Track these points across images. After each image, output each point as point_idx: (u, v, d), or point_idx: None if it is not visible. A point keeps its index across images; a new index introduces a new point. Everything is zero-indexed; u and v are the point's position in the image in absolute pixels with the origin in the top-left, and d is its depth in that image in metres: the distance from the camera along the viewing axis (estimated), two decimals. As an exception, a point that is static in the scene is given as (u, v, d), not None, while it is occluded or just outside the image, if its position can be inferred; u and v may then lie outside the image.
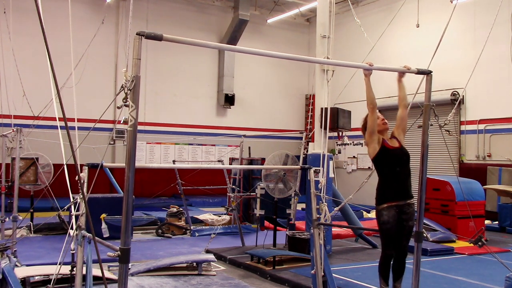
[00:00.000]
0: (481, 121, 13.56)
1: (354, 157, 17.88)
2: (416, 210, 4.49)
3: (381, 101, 16.41)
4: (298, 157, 8.83)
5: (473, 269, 7.19)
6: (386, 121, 4.79)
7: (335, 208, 6.16)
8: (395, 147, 4.68)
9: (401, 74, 4.61)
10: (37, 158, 8.55)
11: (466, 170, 13.60)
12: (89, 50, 8.89)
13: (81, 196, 3.64)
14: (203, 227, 10.44)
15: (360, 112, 18.31)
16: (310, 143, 8.19)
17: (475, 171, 12.96)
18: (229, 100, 18.07)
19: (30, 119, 9.54)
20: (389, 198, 4.61)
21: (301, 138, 10.52)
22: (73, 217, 4.08)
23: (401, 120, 4.86)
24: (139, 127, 3.95)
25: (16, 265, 5.80)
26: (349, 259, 7.61)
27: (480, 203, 9.70)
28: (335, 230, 9.17)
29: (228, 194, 9.94)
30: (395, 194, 4.60)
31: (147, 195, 14.46)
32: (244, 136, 10.60)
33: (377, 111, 4.79)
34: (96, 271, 4.36)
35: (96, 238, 3.20)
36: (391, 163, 4.62)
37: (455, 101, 11.50)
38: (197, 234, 9.81)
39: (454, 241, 8.99)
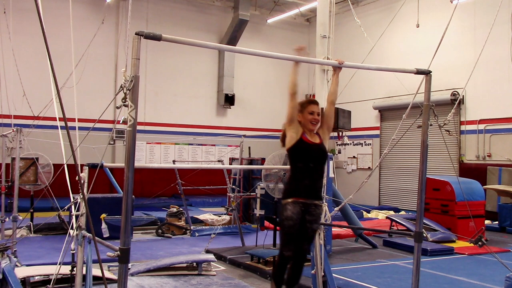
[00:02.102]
0: (481, 121, 13.56)
1: (354, 157, 17.89)
2: (321, 213, 4.33)
3: (381, 101, 16.44)
4: (298, 157, 8.82)
5: (473, 269, 7.19)
6: (317, 120, 4.30)
7: (335, 208, 6.16)
8: (314, 142, 4.27)
9: (337, 68, 4.39)
10: (37, 158, 8.56)
11: (466, 170, 13.60)
12: (89, 50, 8.89)
13: (81, 196, 3.64)
14: (203, 227, 10.44)
15: (360, 112, 18.43)
16: (310, 143, 8.18)
17: (475, 171, 12.96)
18: (229, 100, 18.08)
19: (30, 119, 9.55)
20: (297, 193, 4.20)
21: (301, 138, 10.51)
22: (73, 217, 4.09)
23: (327, 117, 4.46)
24: (139, 127, 3.95)
25: (16, 265, 5.80)
26: (349, 259, 7.61)
27: (480, 203, 9.71)
28: (335, 230, 9.17)
29: (228, 194, 9.94)
30: (304, 190, 4.20)
31: (147, 195, 14.46)
32: (244, 136, 10.59)
33: (317, 106, 4.34)
34: (96, 271, 4.36)
35: (96, 238, 3.20)
36: (305, 158, 4.22)
37: (455, 101, 11.49)
38: (197, 234, 9.81)
39: (454, 241, 8.99)
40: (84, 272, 3.87)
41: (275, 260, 4.35)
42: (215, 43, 3.25)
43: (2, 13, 10.03)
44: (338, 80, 4.47)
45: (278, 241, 8.13)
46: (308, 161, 4.21)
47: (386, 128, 16.65)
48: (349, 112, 8.66)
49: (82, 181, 3.78)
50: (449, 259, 7.91)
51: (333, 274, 5.33)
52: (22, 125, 7.40)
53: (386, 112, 16.63)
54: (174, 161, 15.12)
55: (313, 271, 4.91)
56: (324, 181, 4.83)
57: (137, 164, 4.01)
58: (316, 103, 4.36)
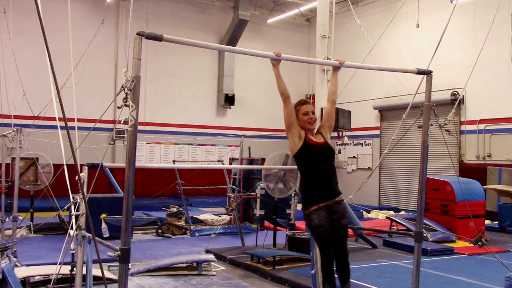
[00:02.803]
0: (481, 121, 13.56)
1: (354, 157, 17.89)
2: (345, 206, 4.28)
3: (381, 101, 16.44)
4: (298, 157, 8.81)
5: (473, 269, 7.19)
6: (314, 119, 4.29)
7: (335, 208, 6.13)
8: (319, 142, 4.23)
9: (336, 68, 4.35)
10: (37, 158, 8.55)
11: (466, 170, 13.60)
12: (89, 50, 8.89)
13: (81, 196, 3.64)
14: (203, 227, 10.43)
15: (360, 112, 18.43)
16: (310, 143, 8.17)
17: (475, 171, 12.96)
18: (229, 100, 18.08)
19: (30, 119, 9.54)
20: (316, 199, 4.16)
21: (301, 138, 10.51)
22: (73, 217, 4.08)
23: (328, 116, 4.45)
24: (139, 127, 3.94)
25: (16, 265, 5.80)
26: (349, 259, 7.60)
27: (480, 203, 9.71)
28: (335, 230, 9.15)
29: (228, 194, 9.94)
30: (322, 194, 4.17)
31: (147, 195, 14.47)
32: (244, 136, 10.59)
33: (309, 105, 4.30)
34: (96, 271, 4.36)
35: (96, 238, 3.20)
36: (314, 160, 4.16)
37: (455, 101, 11.48)
38: (197, 234, 9.81)
39: (454, 241, 8.99)
40: (84, 272, 3.87)
41: (322, 263, 4.39)
42: (215, 44, 3.25)
43: (2, 13, 10.03)
44: (338, 80, 4.46)
45: (278, 241, 8.15)
46: (317, 163, 4.16)
47: (386, 128, 16.66)
48: (349, 112, 8.64)
49: (82, 181, 3.78)
50: (449, 259, 7.91)
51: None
52: (22, 125, 7.40)
53: (386, 112, 16.63)
54: (174, 161, 15.11)
55: (313, 271, 4.91)
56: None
57: (137, 164, 4.01)
58: (307, 102, 4.34)
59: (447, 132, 5.56)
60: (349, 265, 4.41)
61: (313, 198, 4.16)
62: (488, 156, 13.36)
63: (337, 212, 4.20)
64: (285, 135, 4.30)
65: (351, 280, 6.19)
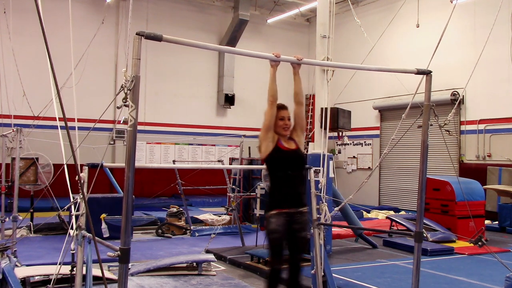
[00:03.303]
0: (481, 121, 13.56)
1: (354, 157, 17.88)
2: (308, 219, 4.21)
3: (381, 101, 16.44)
4: (298, 157, 8.82)
5: (473, 269, 7.19)
6: (289, 125, 4.28)
7: (335, 208, 6.16)
8: (290, 148, 4.21)
9: (296, 66, 4.24)
10: (37, 158, 8.56)
11: (466, 170, 13.60)
12: (89, 50, 8.88)
13: (81, 196, 3.64)
14: (203, 227, 10.44)
15: (360, 112, 18.46)
16: (310, 143, 8.19)
17: (475, 171, 12.96)
18: (229, 100, 18.08)
19: (30, 119, 9.54)
20: (280, 204, 4.09)
21: (301, 138, 10.51)
22: (73, 217, 4.08)
23: (297, 118, 4.38)
24: (139, 127, 3.95)
25: (16, 265, 5.80)
26: (349, 259, 7.61)
27: (480, 203, 9.70)
28: (335, 230, 9.17)
29: (228, 194, 9.94)
30: (286, 200, 4.10)
31: (147, 195, 14.46)
32: (244, 136, 10.60)
33: (286, 111, 4.29)
34: (96, 271, 4.36)
35: (96, 238, 3.20)
36: (283, 166, 4.12)
37: (455, 101, 11.50)
38: (197, 234, 9.81)
39: (454, 241, 8.99)
40: (84, 272, 3.87)
41: (269, 274, 4.24)
42: (215, 44, 3.24)
43: (2, 13, 10.03)
44: (300, 79, 4.38)
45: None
46: (286, 168, 4.11)
47: (386, 128, 16.66)
48: (349, 112, 8.66)
49: (82, 181, 3.78)
50: (449, 259, 7.91)
51: (333, 274, 5.34)
52: (22, 125, 7.39)
53: (386, 112, 16.63)
54: (174, 161, 15.12)
55: (313, 271, 4.91)
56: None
57: (137, 164, 4.01)
58: (285, 108, 4.31)
59: (447, 132, 5.57)
60: (300, 282, 4.29)
61: (277, 202, 4.11)
62: (488, 156, 13.36)
63: (298, 222, 4.14)
64: (260, 140, 4.20)
65: (351, 280, 6.22)
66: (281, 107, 4.29)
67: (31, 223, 9.34)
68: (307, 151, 8.26)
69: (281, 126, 4.22)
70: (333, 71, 7.72)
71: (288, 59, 4.01)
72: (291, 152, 4.19)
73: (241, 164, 10.86)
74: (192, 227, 10.06)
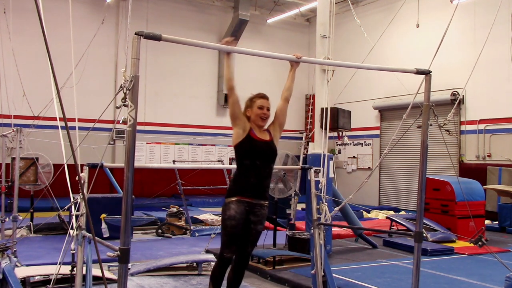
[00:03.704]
0: (481, 121, 13.56)
1: (354, 157, 17.89)
2: (266, 213, 4.17)
3: (381, 101, 16.44)
4: (298, 157, 8.83)
5: (473, 269, 7.19)
6: (267, 115, 4.19)
7: (335, 208, 6.16)
8: (262, 139, 4.13)
9: (295, 64, 4.17)
10: (37, 158, 8.56)
11: (466, 170, 13.60)
12: (89, 50, 8.88)
13: (81, 196, 3.64)
14: (203, 227, 10.43)
15: (360, 112, 18.44)
16: (310, 143, 8.19)
17: (475, 171, 12.96)
18: (228, 99, 18.06)
19: (30, 119, 9.54)
20: (242, 192, 4.03)
21: (301, 138, 10.54)
22: (73, 217, 4.08)
23: (280, 113, 4.31)
24: (139, 127, 3.95)
25: (16, 265, 5.80)
26: (349, 259, 7.61)
27: (480, 203, 9.70)
28: (335, 230, 9.17)
29: (228, 194, 9.92)
30: (250, 189, 4.04)
31: (147, 195, 14.46)
32: (244, 136, 10.58)
33: (266, 101, 4.22)
34: (96, 271, 4.36)
35: (96, 238, 3.20)
36: (252, 155, 4.05)
37: (455, 101, 11.49)
38: (197, 234, 9.81)
39: (454, 241, 8.99)
40: (84, 272, 3.87)
41: (217, 262, 4.24)
42: (215, 43, 3.26)
43: (2, 13, 10.04)
44: (295, 76, 4.31)
45: (278, 241, 8.14)
46: (255, 158, 4.05)
47: (386, 128, 16.66)
48: (349, 112, 8.66)
49: (82, 181, 3.78)
50: (449, 259, 7.90)
51: (333, 274, 5.33)
52: (22, 125, 7.39)
53: (386, 112, 16.64)
54: (174, 161, 15.12)
55: (313, 271, 4.90)
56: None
57: (137, 164, 4.01)
58: (265, 97, 4.26)
59: (447, 132, 5.57)
60: (243, 276, 4.25)
61: (239, 189, 4.06)
62: (488, 156, 13.36)
63: (257, 215, 4.09)
64: (232, 125, 4.20)
65: (351, 280, 6.22)
66: (262, 96, 4.26)
67: (31, 223, 9.34)
68: (307, 151, 8.27)
69: (259, 114, 4.16)
70: (333, 71, 7.72)
71: (287, 57, 3.99)
72: (263, 142, 4.13)
73: (241, 164, 10.85)
74: (192, 227, 10.06)
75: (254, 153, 4.07)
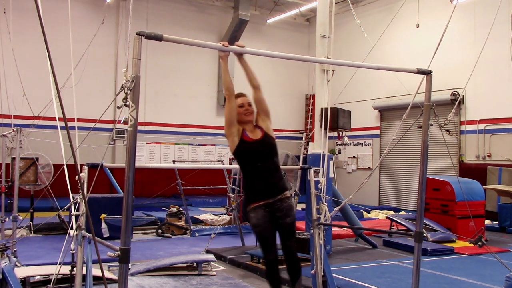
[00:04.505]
0: (481, 121, 13.56)
1: (354, 157, 17.89)
2: (290, 204, 4.15)
3: (381, 101, 16.44)
4: (298, 157, 8.84)
5: (473, 269, 7.19)
6: (250, 111, 4.15)
7: (335, 208, 6.16)
8: (255, 139, 4.05)
9: (239, 54, 3.98)
10: (37, 158, 8.56)
11: (466, 170, 13.60)
12: (89, 50, 8.89)
13: (81, 196, 3.64)
14: (203, 227, 10.44)
15: (360, 112, 18.44)
16: (310, 143, 8.19)
17: (475, 171, 12.96)
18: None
19: (30, 119, 9.54)
20: (255, 197, 4.04)
21: (301, 138, 10.54)
22: (73, 217, 4.08)
23: (258, 103, 4.21)
24: (139, 127, 3.94)
25: (16, 265, 5.80)
26: (349, 259, 7.61)
27: (480, 203, 9.70)
28: (335, 230, 9.17)
29: (228, 194, 9.94)
30: (261, 192, 4.02)
31: (147, 195, 14.46)
32: (244, 136, 10.57)
33: (245, 97, 4.19)
34: (96, 271, 4.36)
35: (96, 238, 3.20)
36: (251, 158, 4.01)
37: (455, 101, 11.50)
38: (197, 234, 9.81)
39: (454, 241, 8.99)
40: (84, 272, 3.87)
41: (266, 267, 4.27)
42: (215, 43, 3.25)
43: (2, 13, 10.03)
44: (247, 63, 4.11)
45: (278, 241, 8.13)
46: (254, 160, 4.02)
47: (386, 128, 16.66)
48: (349, 112, 8.66)
49: (82, 181, 3.78)
50: (449, 259, 7.91)
51: (333, 274, 5.33)
52: (22, 125, 7.39)
53: (386, 112, 16.64)
54: (174, 161, 15.11)
55: (313, 271, 4.91)
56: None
57: (137, 164, 4.00)
58: (242, 95, 4.22)
59: (447, 132, 5.56)
60: (299, 264, 4.30)
61: (252, 196, 4.06)
62: (488, 156, 13.36)
63: (280, 210, 4.06)
64: (225, 134, 4.12)
65: (351, 280, 6.22)
66: (238, 95, 4.20)
67: (31, 223, 9.34)
68: (307, 151, 8.26)
69: (242, 112, 4.11)
70: (333, 71, 7.72)
71: (232, 48, 3.75)
72: (257, 142, 4.05)
73: (241, 164, 10.85)
74: (192, 227, 10.06)
75: (252, 156, 4.03)
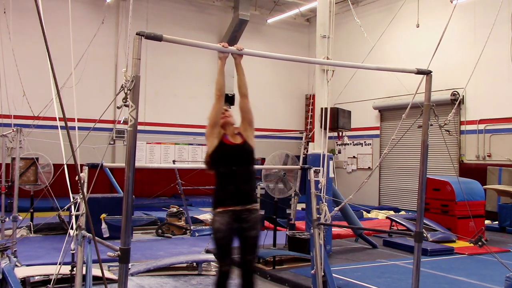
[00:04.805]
0: (481, 121, 13.56)
1: (354, 157, 17.89)
2: (258, 217, 3.99)
3: (381, 101, 16.44)
4: (298, 157, 8.83)
5: (473, 269, 7.19)
6: (229, 115, 4.16)
7: (335, 208, 6.17)
8: (235, 143, 4.01)
9: (238, 56, 4.02)
10: (37, 158, 8.55)
11: (466, 170, 13.60)
12: (89, 50, 8.89)
13: (81, 196, 3.64)
14: (203, 227, 10.43)
15: (360, 112, 18.43)
16: (310, 143, 8.19)
17: (475, 171, 12.96)
18: (229, 100, 18.04)
19: (30, 119, 9.54)
20: (224, 202, 3.87)
21: (301, 138, 10.53)
22: (73, 217, 4.08)
23: (243, 111, 4.19)
24: (139, 127, 3.93)
25: (16, 265, 5.80)
26: (349, 259, 7.61)
27: (480, 203, 9.71)
28: (335, 230, 9.17)
29: (228, 194, 9.92)
30: (231, 197, 3.87)
31: (147, 195, 14.45)
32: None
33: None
34: (96, 271, 4.36)
35: (96, 238, 3.20)
36: (226, 161, 3.92)
37: (455, 101, 11.50)
38: (197, 234, 9.81)
39: (454, 241, 8.99)
40: (84, 272, 3.87)
41: (217, 276, 4.01)
42: (215, 44, 3.26)
43: (2, 13, 10.03)
44: (242, 69, 4.14)
45: (278, 241, 8.14)
46: (229, 164, 3.92)
47: (386, 128, 16.66)
48: (349, 112, 8.67)
49: (82, 181, 3.78)
50: (449, 259, 7.91)
51: (333, 274, 5.33)
52: (22, 125, 7.39)
53: (386, 112, 16.64)
54: (174, 161, 15.11)
55: (313, 271, 4.91)
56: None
57: (137, 164, 4.00)
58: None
59: (447, 132, 5.56)
60: (254, 283, 4.04)
61: (221, 200, 3.91)
62: (488, 156, 13.36)
63: (247, 221, 3.89)
64: (205, 135, 4.09)
65: (351, 280, 6.22)
66: None
67: (31, 223, 9.34)
68: (307, 151, 8.27)
69: (221, 118, 4.10)
70: (333, 71, 7.72)
71: (231, 49, 3.84)
72: (236, 146, 4.00)
73: (241, 164, 10.85)
74: (192, 227, 10.06)
75: (228, 158, 3.94)
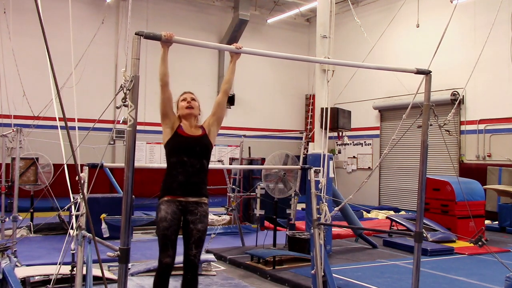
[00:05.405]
0: (481, 121, 13.56)
1: (354, 157, 17.89)
2: (205, 210, 3.93)
3: (381, 101, 16.44)
4: (298, 157, 8.83)
5: (473, 269, 7.19)
6: (191, 106, 4.11)
7: (335, 208, 6.16)
8: (191, 135, 3.96)
9: (235, 55, 3.97)
10: (37, 158, 8.56)
11: (466, 170, 13.60)
12: (89, 50, 8.88)
13: (81, 196, 3.64)
14: (203, 227, 10.41)
15: (360, 112, 18.43)
16: (310, 143, 8.20)
17: (475, 171, 12.96)
18: (229, 100, 18.06)
19: (30, 119, 9.54)
20: (172, 191, 3.81)
21: (301, 138, 10.52)
22: (73, 217, 4.08)
23: (217, 106, 4.20)
24: (139, 127, 3.94)
25: (16, 265, 5.80)
26: (349, 259, 7.61)
27: (480, 203, 9.71)
28: (335, 230, 9.17)
29: (228, 194, 9.93)
30: (179, 187, 3.80)
31: (147, 195, 14.43)
32: (244, 136, 10.60)
33: (188, 93, 4.20)
34: (96, 271, 4.36)
35: (96, 238, 3.20)
36: (178, 152, 3.86)
37: (455, 101, 11.50)
38: (197, 234, 9.79)
39: (454, 241, 8.99)
40: (84, 272, 3.87)
41: (157, 269, 3.97)
42: (215, 43, 3.26)
43: (2, 13, 10.03)
44: (235, 68, 4.14)
45: (278, 241, 8.15)
46: (181, 154, 3.85)
47: (386, 128, 16.66)
48: (349, 112, 8.67)
49: (82, 181, 3.78)
50: (449, 259, 7.91)
51: (333, 274, 5.33)
52: (22, 125, 7.39)
53: (386, 112, 16.64)
54: (174, 161, 15.07)
55: (313, 271, 4.90)
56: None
57: (137, 164, 3.99)
58: (187, 92, 4.26)
59: (447, 132, 5.56)
60: (196, 281, 3.95)
61: (169, 188, 3.86)
62: (488, 156, 13.36)
63: (194, 213, 3.83)
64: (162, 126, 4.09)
65: (351, 280, 6.22)
66: (185, 92, 4.26)
67: (31, 223, 9.34)
68: (307, 151, 8.27)
69: (184, 106, 4.10)
70: (333, 71, 7.72)
71: (228, 47, 3.85)
72: (191, 138, 3.95)
73: (241, 164, 10.86)
74: (192, 227, 10.04)
75: (180, 149, 3.89)
